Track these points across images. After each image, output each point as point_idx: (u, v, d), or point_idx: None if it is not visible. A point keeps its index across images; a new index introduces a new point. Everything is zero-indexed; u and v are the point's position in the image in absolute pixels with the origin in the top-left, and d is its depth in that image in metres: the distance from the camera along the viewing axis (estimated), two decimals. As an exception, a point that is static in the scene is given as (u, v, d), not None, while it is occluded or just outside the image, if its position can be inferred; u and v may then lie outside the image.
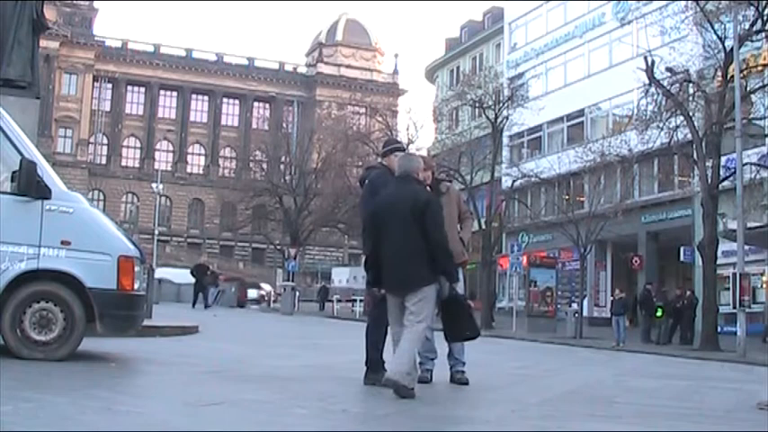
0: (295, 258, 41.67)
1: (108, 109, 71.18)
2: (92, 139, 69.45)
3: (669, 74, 23.86)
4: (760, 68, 24.71)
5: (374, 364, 6.57)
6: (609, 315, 34.48)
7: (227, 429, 4.25)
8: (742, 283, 19.62)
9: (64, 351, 6.55)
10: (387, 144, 7.72)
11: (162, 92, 72.97)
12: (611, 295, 33.24)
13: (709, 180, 22.19)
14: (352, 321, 27.88)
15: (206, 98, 74.42)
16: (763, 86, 23.16)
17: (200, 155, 74.46)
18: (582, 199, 32.51)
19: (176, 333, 12.52)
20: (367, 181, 6.93)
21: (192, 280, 32.64)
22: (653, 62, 23.61)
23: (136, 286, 6.80)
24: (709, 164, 22.45)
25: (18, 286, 6.45)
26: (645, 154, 25.84)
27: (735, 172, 20.79)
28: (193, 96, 74.00)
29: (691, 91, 23.55)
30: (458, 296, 6.31)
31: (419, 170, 6.37)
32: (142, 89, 72.61)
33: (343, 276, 55.25)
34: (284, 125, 61.76)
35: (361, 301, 33.72)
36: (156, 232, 58.48)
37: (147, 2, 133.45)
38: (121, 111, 71.66)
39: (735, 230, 20.37)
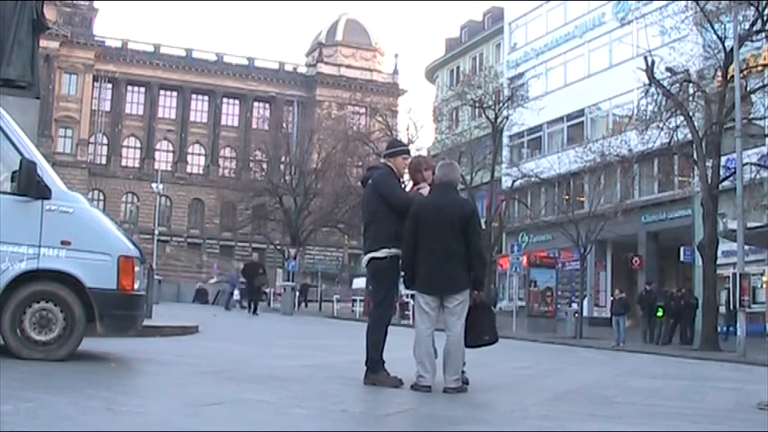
0: (295, 258, 41.64)
1: (108, 109, 71.13)
2: (92, 139, 69.39)
3: (669, 74, 23.87)
4: (760, 68, 24.73)
5: (374, 365, 6.57)
6: (609, 315, 34.60)
7: (227, 429, 4.25)
8: (742, 283, 19.62)
9: (64, 351, 6.54)
10: (392, 145, 7.67)
11: (162, 92, 72.91)
12: (611, 295, 33.30)
13: (710, 180, 22.19)
14: (352, 321, 27.89)
15: (206, 98, 74.38)
16: (763, 86, 23.18)
17: (200, 155, 74.39)
18: (582, 199, 32.51)
19: (176, 333, 12.51)
20: (370, 180, 6.92)
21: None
22: (653, 62, 23.62)
23: (136, 286, 6.80)
24: (709, 164, 22.46)
25: (18, 286, 6.44)
26: (645, 154, 25.84)
27: (735, 172, 20.80)
28: (193, 96, 73.95)
29: (691, 91, 23.57)
30: (484, 302, 6.74)
31: (458, 180, 6.86)
32: (142, 89, 72.56)
33: None
34: (284, 125, 61.74)
35: (361, 301, 33.72)
36: (156, 232, 58.46)
37: (147, 2, 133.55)
38: (121, 111, 71.61)
39: (735, 230, 20.38)
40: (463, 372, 6.53)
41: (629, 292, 28.47)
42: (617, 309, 23.79)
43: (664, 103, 23.66)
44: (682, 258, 31.08)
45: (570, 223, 28.08)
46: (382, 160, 7.26)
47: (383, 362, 6.61)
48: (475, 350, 6.72)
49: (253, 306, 27.48)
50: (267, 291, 35.76)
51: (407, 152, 7.32)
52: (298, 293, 41.09)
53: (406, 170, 7.35)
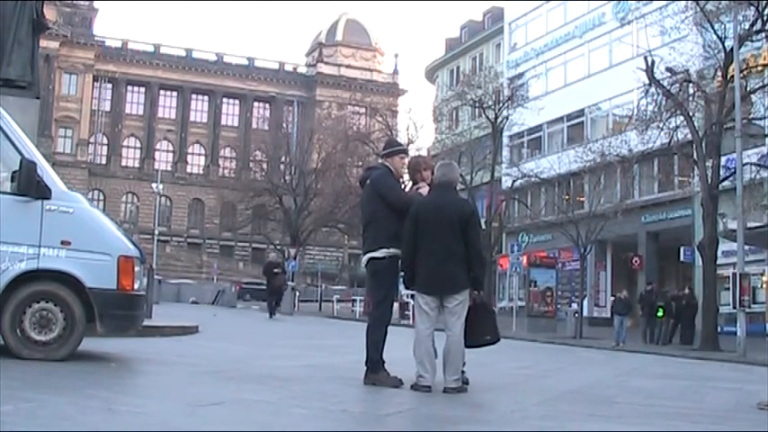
0: (295, 258, 41.64)
1: (108, 109, 71.18)
2: (92, 139, 69.45)
3: (669, 74, 23.87)
4: (760, 68, 24.72)
5: (374, 364, 6.57)
6: (609, 315, 34.56)
7: (227, 429, 4.25)
8: (742, 283, 19.61)
9: (64, 351, 6.54)
10: (389, 145, 7.65)
11: (162, 92, 72.96)
12: (611, 295, 33.22)
13: (710, 180, 22.19)
14: (352, 321, 27.88)
15: (206, 98, 74.42)
16: (763, 86, 23.18)
17: (200, 155, 74.46)
18: (582, 199, 32.51)
19: (176, 333, 12.52)
20: (369, 180, 6.93)
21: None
22: (653, 62, 23.61)
23: (136, 286, 6.80)
24: (709, 164, 22.45)
25: (18, 286, 6.44)
26: (645, 154, 25.84)
27: (735, 172, 20.80)
28: (193, 96, 73.99)
29: (691, 91, 23.56)
30: (484, 302, 6.73)
31: (458, 180, 6.82)
32: (142, 89, 72.61)
33: None
34: (284, 125, 61.80)
35: (361, 301, 33.71)
36: (156, 232, 58.50)
37: (147, 2, 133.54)
38: (121, 111, 71.66)
39: (735, 230, 20.37)
40: (463, 372, 6.53)
41: (629, 293, 28.47)
42: (619, 308, 23.74)
43: (664, 103, 23.66)
44: (682, 258, 31.06)
45: (570, 223, 28.07)
46: (380, 161, 7.24)
47: (383, 362, 6.61)
48: (475, 350, 6.72)
49: (273, 308, 25.93)
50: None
51: (405, 152, 7.33)
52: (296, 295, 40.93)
53: (405, 170, 7.36)
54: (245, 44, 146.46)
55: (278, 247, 49.54)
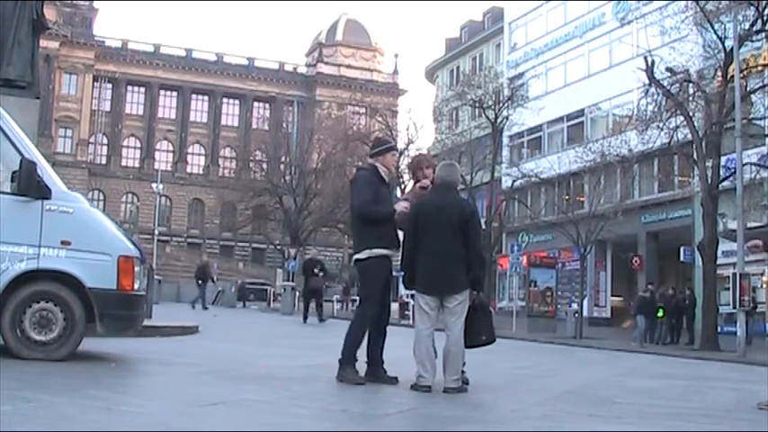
0: (295, 258, 41.63)
1: (108, 109, 71.12)
2: (92, 139, 69.39)
3: (669, 74, 23.87)
4: (760, 68, 24.72)
5: (345, 360, 6.61)
6: (609, 315, 34.60)
7: (227, 429, 4.25)
8: (742, 283, 19.60)
9: (64, 351, 6.55)
10: (378, 144, 7.52)
11: (162, 92, 72.90)
12: (612, 295, 33.21)
13: (710, 180, 22.19)
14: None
15: (206, 98, 74.36)
16: (763, 86, 23.16)
17: (200, 155, 74.39)
18: (582, 199, 32.49)
19: (176, 333, 12.53)
20: (357, 183, 6.95)
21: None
22: (653, 62, 23.62)
23: (136, 286, 6.80)
24: (709, 164, 22.46)
25: (18, 286, 6.45)
26: (645, 154, 25.83)
27: (735, 172, 20.79)
28: (193, 96, 73.93)
29: (691, 91, 23.56)
30: (483, 303, 6.73)
31: (459, 181, 6.90)
32: (142, 89, 72.55)
33: None
34: (284, 125, 61.82)
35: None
36: (156, 232, 58.48)
37: (147, 2, 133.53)
38: (121, 111, 71.60)
39: (735, 230, 20.37)
40: (463, 372, 6.54)
41: (628, 293, 28.48)
42: (644, 307, 23.67)
43: (664, 103, 23.66)
44: (682, 258, 31.05)
45: (570, 223, 28.04)
46: (370, 160, 7.08)
47: (382, 361, 6.67)
48: (475, 350, 6.72)
49: (317, 311, 23.04)
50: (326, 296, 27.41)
51: (394, 148, 7.35)
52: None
53: (405, 168, 7.40)
54: (245, 44, 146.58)
55: (278, 247, 49.56)
